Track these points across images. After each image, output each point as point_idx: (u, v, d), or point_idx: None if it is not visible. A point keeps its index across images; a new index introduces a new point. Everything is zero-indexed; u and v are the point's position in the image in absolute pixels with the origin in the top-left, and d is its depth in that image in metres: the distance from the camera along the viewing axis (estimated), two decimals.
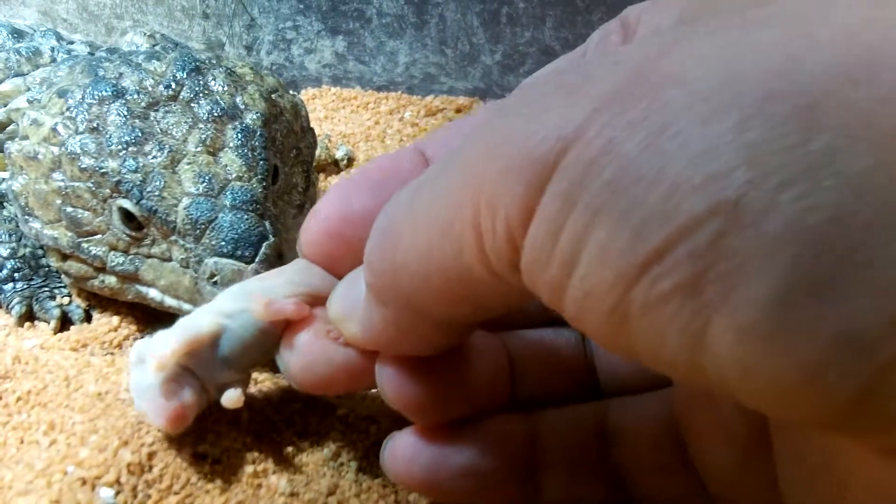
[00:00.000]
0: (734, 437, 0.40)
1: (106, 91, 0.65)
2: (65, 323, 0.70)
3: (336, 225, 0.46)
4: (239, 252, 0.58)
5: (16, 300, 0.71)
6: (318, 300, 0.47)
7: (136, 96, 0.65)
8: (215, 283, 0.58)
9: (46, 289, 0.72)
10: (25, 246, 0.73)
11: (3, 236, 0.72)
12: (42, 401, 0.57)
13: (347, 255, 0.45)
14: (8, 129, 0.74)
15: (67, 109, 0.65)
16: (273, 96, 0.72)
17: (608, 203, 0.27)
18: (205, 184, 0.60)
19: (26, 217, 0.67)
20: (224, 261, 0.58)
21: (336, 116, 1.17)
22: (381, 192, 0.43)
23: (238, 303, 0.48)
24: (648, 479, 0.47)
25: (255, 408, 0.55)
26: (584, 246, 0.28)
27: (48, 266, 0.73)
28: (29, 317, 0.71)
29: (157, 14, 1.24)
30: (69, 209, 0.64)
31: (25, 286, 0.72)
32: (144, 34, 0.84)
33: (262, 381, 0.59)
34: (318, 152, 0.99)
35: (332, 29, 1.24)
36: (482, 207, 0.32)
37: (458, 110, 1.16)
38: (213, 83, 0.67)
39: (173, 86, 0.66)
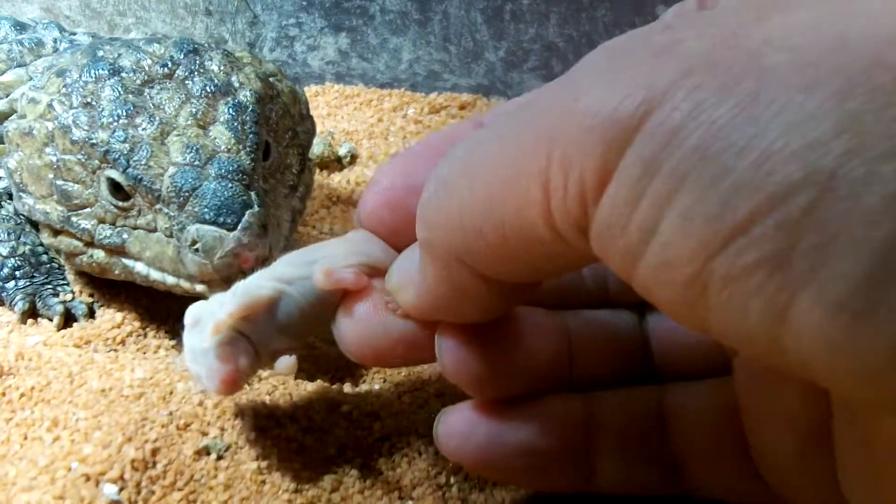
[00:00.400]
0: (795, 426, 0.39)
1: (103, 69, 0.65)
2: (68, 319, 0.70)
3: (397, 195, 0.46)
4: (221, 219, 0.57)
5: (19, 297, 0.70)
6: (377, 271, 0.47)
7: (132, 74, 0.65)
8: (196, 250, 0.57)
9: (49, 286, 0.71)
10: (25, 244, 0.72)
11: (3, 235, 0.72)
12: (45, 397, 0.56)
13: (407, 226, 0.44)
14: (10, 118, 0.74)
15: (64, 87, 0.66)
16: (271, 79, 0.72)
17: (695, 169, 0.27)
18: (192, 154, 0.60)
19: (20, 194, 0.68)
20: (206, 227, 0.57)
21: (339, 114, 1.17)
22: None
23: (298, 270, 0.48)
24: (704, 466, 0.46)
25: (260, 403, 0.55)
26: (665, 213, 0.28)
27: (50, 263, 0.73)
28: (32, 313, 0.70)
29: (159, 11, 1.24)
30: (60, 182, 0.64)
31: (28, 283, 0.71)
32: (146, 34, 0.84)
33: (265, 378, 0.59)
34: (321, 149, 0.99)
35: (336, 26, 1.24)
36: (554, 165, 0.31)
37: (462, 107, 1.16)
38: (209, 63, 0.67)
39: (169, 65, 0.66)
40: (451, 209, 0.37)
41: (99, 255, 0.65)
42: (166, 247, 0.60)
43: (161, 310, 0.70)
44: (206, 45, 0.70)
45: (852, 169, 0.24)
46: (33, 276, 0.72)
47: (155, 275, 0.63)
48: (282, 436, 0.53)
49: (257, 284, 0.48)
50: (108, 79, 0.65)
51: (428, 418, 0.56)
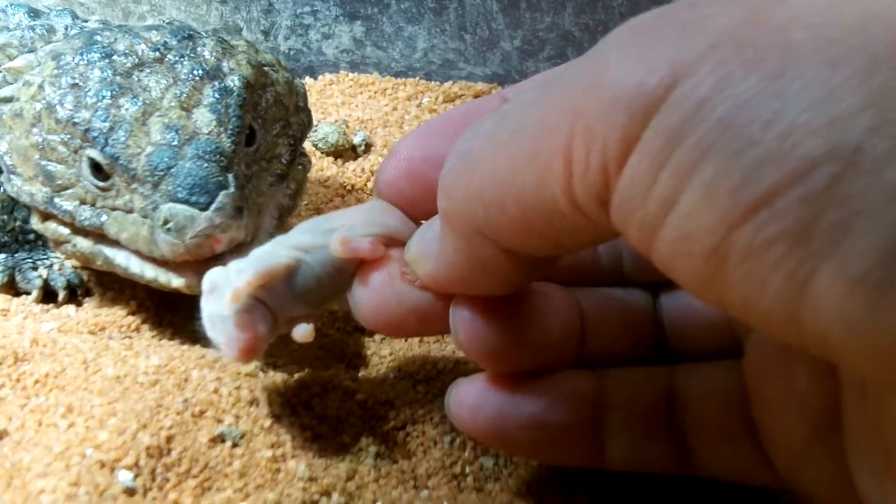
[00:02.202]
0: (805, 410, 0.39)
1: (96, 53, 0.65)
2: (49, 294, 0.71)
3: (416, 166, 0.46)
4: (193, 198, 0.56)
5: None
6: (394, 242, 0.47)
7: (122, 58, 0.65)
8: (168, 229, 0.56)
9: (30, 260, 0.73)
10: (16, 219, 0.73)
11: None
12: (60, 384, 0.56)
13: (426, 197, 0.45)
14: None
15: (57, 69, 0.65)
16: (265, 68, 0.71)
17: (719, 141, 0.27)
18: (171, 134, 0.60)
19: (10, 175, 0.68)
20: (178, 206, 0.56)
21: (353, 102, 1.16)
22: None
23: (315, 238, 0.48)
24: (713, 448, 0.46)
25: (275, 391, 0.55)
26: (687, 184, 0.28)
27: (35, 240, 0.74)
28: (10, 286, 0.72)
29: None
30: (44, 163, 0.64)
31: (8, 257, 0.73)
32: (162, 22, 0.84)
33: (280, 366, 0.58)
34: (336, 137, 0.99)
35: (350, 14, 1.23)
36: (577, 136, 0.31)
37: (477, 96, 1.15)
38: (201, 48, 0.67)
39: (162, 49, 0.66)
40: (474, 181, 0.37)
41: (82, 243, 0.65)
42: (141, 227, 0.59)
43: (175, 297, 0.70)
44: (203, 32, 0.70)
45: (876, 144, 0.24)
46: (16, 251, 0.73)
47: (134, 267, 0.62)
48: (297, 424, 0.53)
49: (275, 252, 0.48)
50: (99, 61, 0.64)
51: (443, 408, 0.56)
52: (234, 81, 0.65)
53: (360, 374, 0.60)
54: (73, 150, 0.63)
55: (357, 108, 1.14)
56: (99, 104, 0.62)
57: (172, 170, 0.58)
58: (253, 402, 0.54)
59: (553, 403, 0.47)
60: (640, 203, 0.30)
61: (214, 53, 0.67)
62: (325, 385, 0.57)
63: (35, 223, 0.69)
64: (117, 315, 0.68)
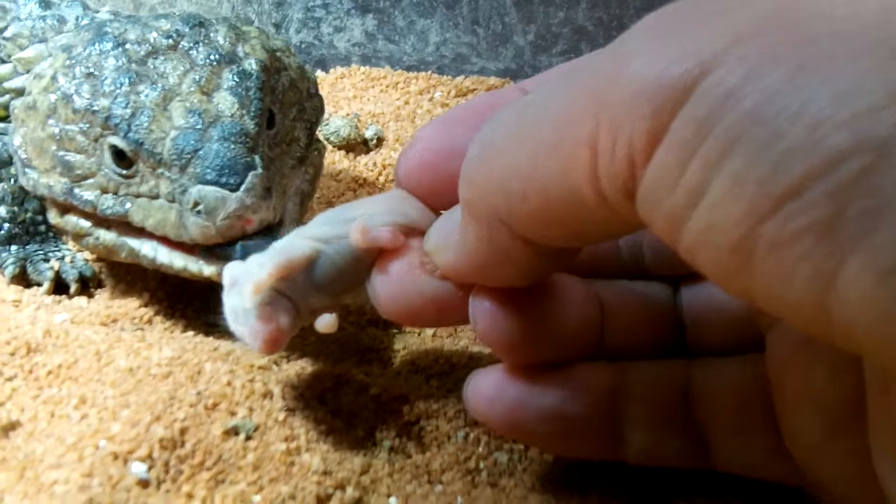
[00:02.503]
0: (827, 404, 0.39)
1: (108, 43, 0.65)
2: (60, 287, 0.71)
3: (436, 156, 0.46)
4: (223, 179, 0.56)
5: (10, 261, 0.72)
6: (413, 231, 0.47)
7: (136, 46, 0.64)
8: (199, 212, 0.56)
9: (41, 251, 0.73)
10: (26, 210, 0.73)
11: (7, 198, 0.72)
12: (73, 375, 0.56)
13: (445, 188, 0.45)
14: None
15: (69, 60, 0.65)
16: (277, 54, 0.71)
17: (748, 132, 0.27)
18: (194, 118, 0.59)
19: (25, 169, 0.67)
20: (208, 188, 0.56)
21: (365, 96, 1.16)
22: None
23: (334, 228, 0.48)
24: (731, 442, 0.46)
25: (288, 384, 0.55)
26: (715, 175, 0.28)
27: (46, 232, 0.74)
28: (22, 278, 0.72)
29: None
30: (62, 153, 0.64)
31: (20, 248, 0.73)
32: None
33: (294, 359, 0.58)
34: (347, 131, 0.99)
35: (363, 7, 1.23)
36: (603, 127, 0.31)
37: (490, 91, 1.15)
38: (214, 34, 0.67)
39: (175, 37, 0.65)
40: (496, 171, 0.37)
41: (105, 236, 0.65)
42: (168, 212, 0.59)
43: (188, 289, 0.70)
44: (213, 19, 0.70)
45: None
46: (27, 243, 0.73)
47: (162, 257, 0.62)
48: (310, 417, 0.53)
49: (294, 244, 0.48)
50: (112, 51, 0.64)
51: (457, 402, 0.56)
52: (251, 65, 0.65)
53: (373, 369, 0.59)
54: (93, 139, 0.62)
55: (369, 102, 1.13)
56: (117, 91, 0.61)
57: (200, 152, 0.58)
58: (266, 394, 0.53)
59: (571, 395, 0.46)
60: (667, 194, 0.30)
61: (228, 39, 0.67)
62: (339, 379, 0.57)
63: (53, 217, 0.69)
64: (129, 307, 0.68)
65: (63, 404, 0.53)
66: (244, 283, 0.47)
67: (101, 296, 0.71)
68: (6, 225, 0.72)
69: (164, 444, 0.49)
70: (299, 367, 0.57)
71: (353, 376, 0.57)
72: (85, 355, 0.58)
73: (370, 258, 0.47)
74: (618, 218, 0.33)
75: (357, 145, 1.01)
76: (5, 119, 0.77)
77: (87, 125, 0.62)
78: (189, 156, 0.58)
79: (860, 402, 0.36)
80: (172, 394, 0.52)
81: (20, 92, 0.75)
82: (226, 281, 0.48)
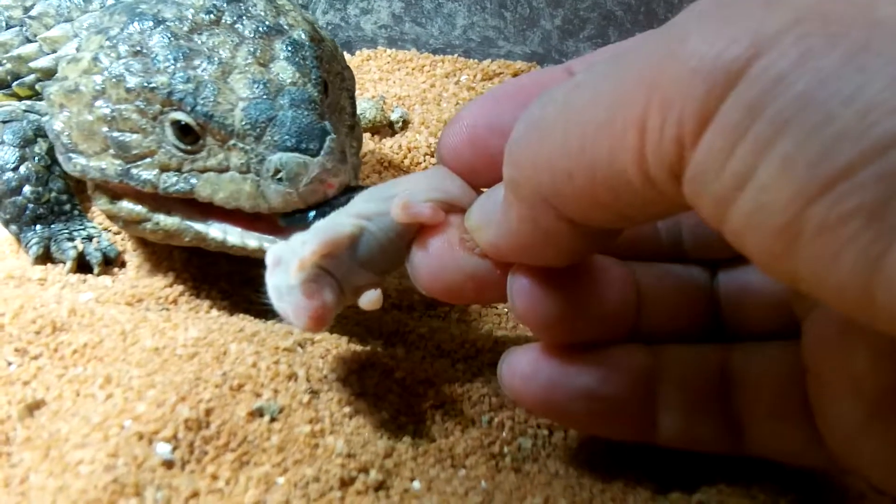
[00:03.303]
0: (864, 391, 0.39)
1: (146, 22, 0.64)
2: (83, 267, 0.71)
3: (480, 133, 0.46)
4: (304, 145, 0.56)
5: (34, 241, 0.72)
6: (453, 208, 0.47)
7: (177, 23, 0.64)
8: (280, 179, 0.56)
9: (66, 231, 0.73)
10: (51, 190, 0.73)
11: (32, 178, 0.72)
12: (98, 354, 0.56)
13: (489, 165, 0.45)
14: (51, 81, 0.74)
15: (107, 40, 0.64)
16: (314, 25, 0.70)
17: (799, 115, 0.27)
18: (260, 88, 0.59)
19: (70, 154, 0.66)
20: (289, 155, 0.56)
21: (391, 78, 1.16)
22: None
23: (377, 205, 0.49)
24: (765, 428, 0.46)
25: (313, 367, 0.55)
26: (764, 157, 0.28)
27: (71, 211, 0.74)
28: (46, 257, 0.72)
29: None
30: (116, 134, 0.63)
31: (45, 228, 0.73)
32: None
33: (318, 341, 0.58)
34: (373, 114, 0.98)
35: None
36: (653, 107, 0.31)
37: (516, 75, 1.14)
38: (253, 9, 0.66)
39: (214, 12, 0.65)
40: (542, 150, 0.37)
41: (166, 221, 0.64)
42: (243, 183, 0.59)
43: (213, 269, 0.70)
44: None
45: None
46: (52, 223, 0.73)
47: (233, 239, 0.61)
48: (335, 400, 0.53)
49: (338, 221, 0.49)
50: (154, 28, 0.63)
51: (482, 387, 0.56)
52: (300, 35, 0.65)
53: (398, 352, 0.59)
54: (152, 117, 0.61)
55: (395, 85, 1.13)
56: (173, 67, 0.61)
57: (274, 120, 0.57)
58: (291, 377, 0.53)
59: (606, 376, 0.47)
60: (715, 176, 0.30)
61: (269, 12, 0.66)
62: (364, 362, 0.57)
63: (103, 204, 0.68)
64: (155, 286, 0.68)
65: (88, 384, 0.53)
66: (288, 261, 0.47)
67: (127, 275, 0.71)
68: (30, 206, 0.72)
69: (189, 425, 0.49)
70: (324, 350, 0.57)
71: (378, 359, 0.57)
72: (110, 335, 0.58)
73: (411, 235, 0.48)
74: (663, 200, 0.33)
75: (382, 128, 1.01)
76: (31, 98, 0.77)
77: (145, 103, 0.61)
78: (263, 124, 0.57)
79: None
80: (198, 374, 0.52)
81: (46, 72, 0.75)
82: (269, 260, 0.49)
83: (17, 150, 0.72)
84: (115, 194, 0.66)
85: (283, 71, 0.61)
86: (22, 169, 0.72)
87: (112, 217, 0.69)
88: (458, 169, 0.48)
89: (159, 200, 0.64)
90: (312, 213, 0.56)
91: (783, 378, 0.45)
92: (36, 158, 0.73)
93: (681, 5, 1.10)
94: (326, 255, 0.47)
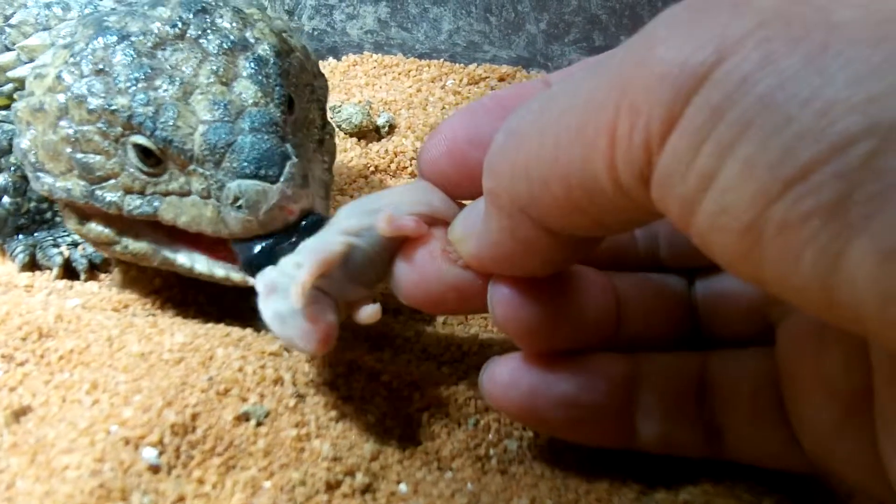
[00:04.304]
0: (836, 393, 0.40)
1: (111, 37, 0.62)
2: (72, 274, 0.71)
3: (459, 146, 0.46)
4: (262, 171, 0.55)
5: (19, 249, 0.72)
6: (436, 221, 0.48)
7: (141, 37, 0.62)
8: (239, 206, 0.55)
9: (50, 238, 0.72)
10: (30, 200, 0.73)
11: (10, 189, 0.72)
12: (85, 360, 0.56)
13: (468, 178, 0.46)
14: (20, 97, 0.73)
15: (72, 57, 0.63)
16: (283, 35, 0.69)
17: (759, 117, 0.28)
18: (220, 110, 0.58)
19: (37, 174, 0.65)
20: (248, 182, 0.55)
21: (377, 83, 1.16)
22: None
23: (361, 220, 0.49)
24: (744, 432, 0.47)
25: (299, 371, 0.55)
26: (727, 159, 0.28)
27: (53, 218, 0.74)
28: (32, 265, 0.72)
29: None
30: (80, 155, 0.61)
31: (28, 237, 0.73)
32: None
33: None
34: (360, 118, 0.98)
35: None
36: (623, 112, 0.32)
37: (502, 79, 1.15)
38: (220, 21, 0.65)
39: (179, 25, 0.63)
40: (519, 159, 0.38)
41: (134, 245, 0.63)
42: (204, 208, 0.58)
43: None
44: (214, 2, 0.67)
45: None
46: (35, 232, 0.73)
47: (201, 267, 0.61)
48: (321, 404, 0.53)
49: (327, 240, 0.49)
50: (118, 44, 0.62)
51: (467, 390, 0.56)
52: (265, 50, 0.63)
53: (384, 356, 0.59)
54: (114, 139, 0.60)
55: (381, 90, 1.13)
56: (134, 88, 0.59)
57: (233, 146, 0.57)
58: (277, 381, 0.54)
59: (586, 383, 0.47)
60: (680, 178, 0.30)
61: (235, 24, 0.65)
62: (350, 365, 0.57)
63: (72, 225, 0.67)
64: (141, 292, 0.68)
65: (75, 389, 0.53)
66: (283, 286, 0.48)
67: (113, 281, 0.71)
68: (10, 218, 0.72)
69: (175, 430, 0.49)
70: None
71: (365, 363, 0.57)
72: (97, 340, 0.58)
73: (397, 247, 0.48)
74: (634, 206, 0.34)
75: (369, 132, 1.01)
76: (6, 107, 0.77)
77: (106, 125, 0.60)
78: (222, 150, 0.56)
79: (870, 389, 0.37)
80: (184, 379, 0.52)
81: (23, 82, 0.74)
82: (261, 288, 0.49)
83: None
84: (84, 215, 0.65)
85: (246, 90, 0.60)
86: None
87: (85, 238, 0.68)
88: (439, 182, 0.49)
89: (126, 223, 0.63)
90: (261, 244, 0.56)
91: (759, 383, 0.46)
92: (12, 168, 0.72)
93: (664, 9, 1.11)
94: (321, 275, 0.48)
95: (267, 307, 0.49)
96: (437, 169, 0.48)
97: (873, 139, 0.25)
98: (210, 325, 0.62)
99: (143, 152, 0.59)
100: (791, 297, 0.29)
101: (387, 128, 1.02)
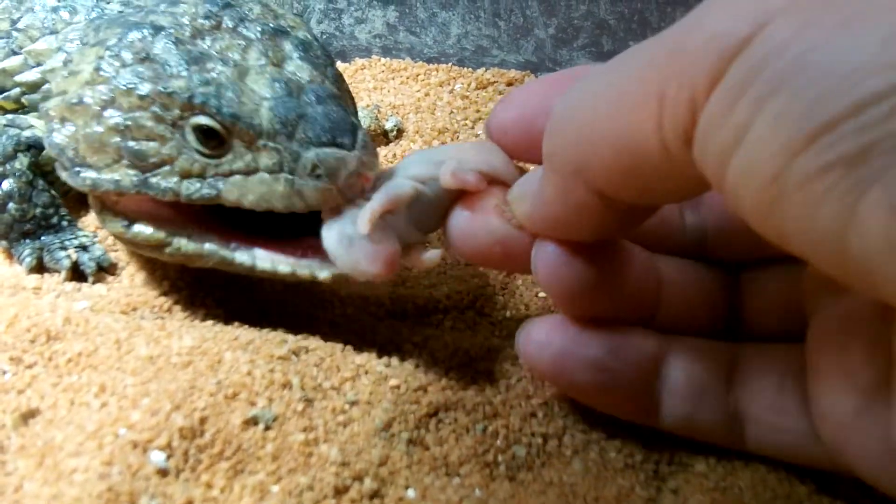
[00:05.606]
0: (858, 382, 0.41)
1: (145, 30, 0.62)
2: (80, 277, 0.71)
3: (527, 112, 0.49)
4: (339, 139, 0.55)
5: (26, 252, 0.72)
6: (495, 180, 0.51)
7: (177, 28, 0.61)
8: (318, 175, 0.55)
9: (57, 241, 0.72)
10: (36, 205, 0.72)
11: (15, 195, 0.72)
12: (93, 363, 0.56)
13: (531, 143, 0.48)
14: (42, 88, 0.73)
15: (107, 50, 0.62)
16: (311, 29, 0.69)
17: (791, 76, 0.30)
18: (281, 87, 0.58)
19: (77, 168, 0.63)
20: (326, 150, 0.55)
21: (385, 87, 1.16)
22: None
23: (429, 169, 0.52)
24: (765, 421, 0.48)
25: (307, 374, 0.55)
26: (760, 113, 0.31)
27: (59, 222, 0.74)
28: (39, 268, 0.72)
29: None
30: (131, 143, 0.60)
31: (35, 241, 0.73)
32: None
33: (313, 350, 0.58)
34: (367, 122, 0.98)
35: None
36: (671, 76, 0.34)
37: (510, 83, 1.14)
38: (249, 11, 0.65)
39: (213, 18, 0.63)
40: (575, 124, 0.40)
41: (187, 246, 0.62)
42: (274, 184, 0.57)
43: (208, 278, 0.70)
44: None
45: None
46: (42, 236, 0.73)
47: (262, 264, 0.60)
48: (329, 408, 0.53)
49: (399, 182, 0.52)
50: (155, 36, 0.61)
51: (476, 395, 0.56)
52: (305, 35, 0.64)
53: (392, 360, 0.59)
54: (170, 123, 0.59)
55: (389, 94, 1.13)
56: (187, 71, 0.59)
57: (305, 117, 0.56)
58: (286, 385, 0.54)
59: (616, 350, 0.49)
60: (717, 129, 0.33)
61: (267, 14, 0.65)
62: (358, 369, 0.57)
63: (115, 229, 0.64)
64: (149, 295, 0.68)
65: (83, 392, 0.53)
66: (349, 212, 0.53)
67: (122, 283, 0.71)
68: (16, 224, 0.72)
69: (183, 434, 0.49)
70: (318, 358, 0.57)
71: (373, 367, 0.57)
72: (105, 343, 0.58)
73: (455, 199, 0.51)
74: (678, 171, 0.36)
75: (377, 136, 1.01)
76: (15, 111, 0.77)
77: (162, 109, 0.59)
78: (294, 121, 0.56)
79: (888, 381, 0.39)
80: (192, 383, 0.52)
81: (31, 86, 0.74)
82: (326, 217, 0.54)
83: None
84: (129, 217, 0.63)
85: (300, 70, 0.60)
86: (4, 185, 0.72)
87: (130, 244, 0.66)
88: (505, 144, 0.51)
89: (177, 224, 0.62)
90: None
91: (786, 374, 0.47)
92: (17, 174, 0.72)
93: (673, 13, 1.11)
94: (388, 211, 0.51)
95: (331, 231, 0.53)
96: (504, 132, 0.51)
97: (894, 98, 0.27)
98: (218, 328, 0.62)
99: (203, 133, 0.58)
100: (809, 253, 0.31)
101: (395, 132, 1.02)
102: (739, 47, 0.32)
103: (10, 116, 0.76)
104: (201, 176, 0.59)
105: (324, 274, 0.57)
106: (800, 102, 0.29)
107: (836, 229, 0.29)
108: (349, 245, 0.52)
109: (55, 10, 0.76)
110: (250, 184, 0.58)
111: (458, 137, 1.00)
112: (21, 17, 0.76)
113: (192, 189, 0.59)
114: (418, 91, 1.13)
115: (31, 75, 0.74)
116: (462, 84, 1.15)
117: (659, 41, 0.36)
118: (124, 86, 0.60)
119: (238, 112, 0.57)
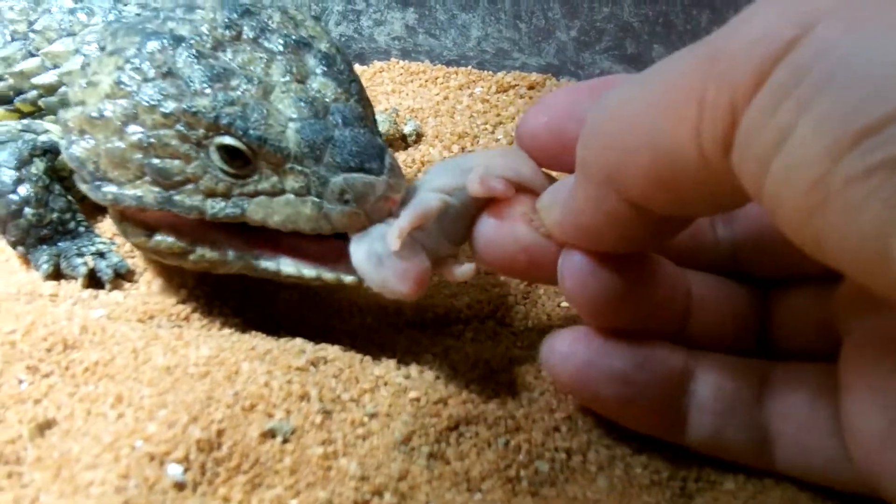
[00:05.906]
0: (888, 404, 0.40)
1: (164, 40, 0.61)
2: (97, 283, 0.71)
3: (558, 119, 0.49)
4: (367, 164, 0.55)
5: (43, 259, 0.71)
6: (523, 188, 0.51)
7: (197, 39, 0.61)
8: (346, 200, 0.55)
9: (74, 247, 0.72)
10: (52, 210, 0.72)
11: (32, 200, 0.71)
12: (110, 372, 0.56)
13: (563, 150, 0.48)
14: (59, 91, 0.73)
15: (127, 62, 0.61)
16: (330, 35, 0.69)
17: (837, 76, 0.30)
18: (307, 107, 0.58)
19: (98, 182, 0.62)
20: (354, 175, 0.55)
21: (404, 90, 1.15)
22: None
23: (455, 179, 0.52)
24: (795, 440, 0.48)
25: (325, 386, 0.54)
26: (804, 114, 0.30)
27: (76, 228, 0.73)
28: (56, 274, 0.71)
29: None
30: (154, 161, 0.59)
31: (52, 247, 0.72)
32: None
33: (331, 361, 0.57)
34: (386, 126, 0.98)
35: (403, 0, 1.22)
36: (712, 79, 0.34)
37: (531, 87, 1.13)
38: (270, 22, 0.64)
39: (233, 27, 0.62)
40: (610, 130, 0.40)
41: (211, 254, 0.61)
42: (301, 206, 0.57)
43: (226, 287, 0.69)
44: (253, 4, 0.66)
45: None
46: (59, 242, 0.72)
47: (287, 269, 0.60)
48: (348, 420, 0.52)
49: (426, 197, 0.52)
50: (175, 47, 0.60)
51: (497, 408, 0.55)
52: (327, 47, 0.63)
53: (411, 372, 0.58)
54: (195, 142, 0.58)
55: (408, 97, 1.12)
56: (211, 89, 0.58)
57: (333, 140, 0.56)
58: (304, 396, 0.53)
59: (642, 364, 0.49)
60: (759, 132, 0.32)
61: (286, 24, 0.65)
62: (377, 381, 0.56)
63: (135, 239, 0.64)
64: (167, 303, 0.67)
65: (99, 402, 0.53)
66: (376, 229, 0.53)
67: (139, 291, 0.70)
68: (33, 229, 0.71)
69: (200, 446, 0.48)
70: (337, 369, 0.56)
71: (392, 379, 0.56)
72: (122, 352, 0.57)
73: (483, 208, 0.51)
74: (714, 179, 0.36)
75: (395, 141, 1.00)
76: (33, 113, 0.77)
77: (186, 128, 0.58)
78: (322, 146, 0.56)
79: None
80: (210, 394, 0.52)
81: (48, 88, 0.74)
82: (354, 236, 0.54)
83: (13, 171, 0.71)
84: (148, 227, 0.63)
85: (324, 87, 0.60)
86: (21, 191, 0.71)
87: (152, 253, 0.65)
88: (534, 151, 0.51)
89: (198, 232, 0.62)
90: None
91: (818, 393, 0.47)
92: (34, 179, 0.72)
93: (699, 16, 1.10)
94: (416, 228, 0.51)
95: (360, 248, 0.53)
96: (534, 138, 0.50)
97: None
98: (236, 337, 0.61)
99: (229, 153, 0.58)
100: (847, 261, 0.31)
101: (414, 136, 1.01)
102: (785, 50, 0.31)
103: (25, 121, 0.76)
104: (226, 195, 0.59)
105: (350, 278, 0.57)
106: (844, 104, 0.29)
107: (877, 235, 0.28)
108: (378, 263, 0.52)
109: (72, 11, 0.75)
110: (276, 204, 0.58)
111: (477, 142, 0.99)
112: (38, 19, 0.76)
113: (217, 208, 0.59)
114: (437, 94, 1.13)
115: (48, 77, 0.74)
116: (482, 87, 1.14)
117: (698, 47, 0.36)
118: (147, 102, 0.59)
119: (264, 135, 0.56)
